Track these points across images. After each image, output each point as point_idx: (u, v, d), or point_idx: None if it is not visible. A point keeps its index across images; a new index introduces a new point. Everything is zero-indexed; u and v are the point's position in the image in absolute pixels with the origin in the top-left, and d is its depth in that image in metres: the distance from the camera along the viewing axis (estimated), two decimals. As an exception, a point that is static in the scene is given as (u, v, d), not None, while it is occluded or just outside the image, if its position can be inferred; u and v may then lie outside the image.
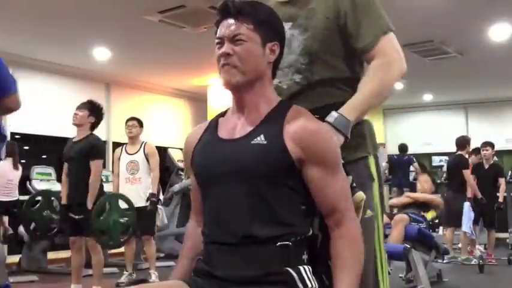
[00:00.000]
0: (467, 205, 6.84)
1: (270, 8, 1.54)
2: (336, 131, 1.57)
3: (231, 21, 1.48)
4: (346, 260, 1.40)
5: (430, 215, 5.67)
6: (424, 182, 6.02)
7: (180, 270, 1.58)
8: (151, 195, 5.57)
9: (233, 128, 1.50)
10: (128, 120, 5.84)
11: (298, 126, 1.42)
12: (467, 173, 7.23)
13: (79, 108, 4.76)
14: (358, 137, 1.70)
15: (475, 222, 7.52)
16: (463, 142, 7.52)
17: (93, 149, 4.64)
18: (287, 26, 1.69)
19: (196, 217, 1.61)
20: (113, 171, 5.98)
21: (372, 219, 1.70)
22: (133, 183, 5.62)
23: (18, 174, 6.59)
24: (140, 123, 5.83)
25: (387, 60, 1.67)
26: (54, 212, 5.82)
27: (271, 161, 1.40)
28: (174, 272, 1.59)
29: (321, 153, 1.42)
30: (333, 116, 1.59)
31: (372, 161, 1.75)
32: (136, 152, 5.72)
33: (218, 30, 1.51)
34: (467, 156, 7.53)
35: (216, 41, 1.50)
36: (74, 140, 4.77)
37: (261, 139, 1.42)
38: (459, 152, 7.45)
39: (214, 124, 1.56)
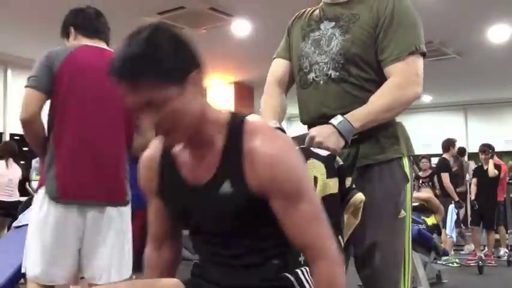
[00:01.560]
0: (451, 208, 6.85)
1: (162, 38, 1.19)
2: (338, 134, 1.61)
3: (127, 87, 1.18)
4: None
5: (430, 221, 5.66)
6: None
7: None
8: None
9: (195, 166, 1.33)
10: None
11: (254, 157, 1.25)
12: (444, 176, 7.30)
13: None
14: (391, 138, 1.77)
15: (476, 223, 7.54)
16: (446, 144, 7.57)
17: None
18: (330, 25, 1.80)
19: (155, 243, 1.49)
20: None
21: (404, 220, 1.76)
22: None
23: (17, 174, 6.59)
24: None
25: (405, 81, 1.70)
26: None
27: (244, 213, 1.30)
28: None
29: (278, 184, 1.24)
30: (338, 119, 1.64)
31: (406, 161, 1.80)
32: None
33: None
34: (451, 158, 7.61)
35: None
36: None
37: (228, 188, 1.28)
38: (444, 155, 7.50)
39: (170, 157, 1.38)
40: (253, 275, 1.34)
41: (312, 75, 1.80)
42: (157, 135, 1.27)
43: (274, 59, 2.00)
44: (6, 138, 7.68)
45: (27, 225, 3.30)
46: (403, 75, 1.70)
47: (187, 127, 1.25)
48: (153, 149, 1.42)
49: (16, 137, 7.86)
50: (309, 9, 1.97)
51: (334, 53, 1.76)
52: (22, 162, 6.93)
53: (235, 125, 1.31)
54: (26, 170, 6.96)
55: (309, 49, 1.83)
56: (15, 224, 3.54)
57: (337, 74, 1.75)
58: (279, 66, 1.96)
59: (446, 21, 6.41)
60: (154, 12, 6.00)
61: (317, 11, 1.91)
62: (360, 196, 1.52)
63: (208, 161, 1.31)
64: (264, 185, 1.25)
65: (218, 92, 9.17)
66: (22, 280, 3.36)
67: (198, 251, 1.46)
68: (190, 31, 6.53)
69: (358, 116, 1.66)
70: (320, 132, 1.63)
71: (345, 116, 1.65)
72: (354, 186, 1.54)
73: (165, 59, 1.17)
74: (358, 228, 1.58)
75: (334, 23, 1.80)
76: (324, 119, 1.70)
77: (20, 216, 3.51)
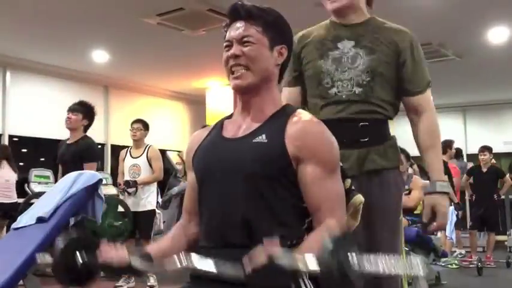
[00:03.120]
0: (451, 209, 6.85)
1: (277, 12, 1.57)
2: (446, 197, 1.95)
3: (240, 23, 1.51)
4: (316, 235, 1.36)
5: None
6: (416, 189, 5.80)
7: (153, 245, 1.61)
8: (127, 182, 5.46)
9: (238, 128, 1.52)
10: (133, 123, 5.72)
11: (300, 126, 1.45)
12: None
13: (71, 110, 4.65)
14: (393, 148, 2.03)
15: (476, 228, 7.54)
16: (444, 146, 7.55)
17: (87, 152, 4.57)
18: (350, 43, 1.99)
19: (187, 216, 1.61)
20: (114, 171, 6.03)
21: (401, 222, 2.01)
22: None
23: (13, 175, 6.59)
24: (145, 126, 5.70)
25: (433, 115, 2.03)
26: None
27: (270, 161, 1.41)
28: (148, 247, 1.58)
29: (318, 152, 1.43)
30: (441, 186, 1.96)
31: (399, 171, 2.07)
32: (140, 155, 5.62)
33: (227, 33, 1.53)
34: (449, 160, 7.61)
35: (225, 43, 1.52)
36: (67, 141, 4.70)
37: (262, 138, 1.44)
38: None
39: (219, 125, 1.58)
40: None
41: (334, 90, 1.98)
42: (233, 67, 1.49)
43: (284, 87, 2.12)
44: (5, 139, 7.68)
45: (26, 226, 3.30)
46: (428, 104, 2.02)
47: (259, 71, 1.48)
48: (204, 129, 1.64)
49: (15, 139, 7.86)
50: (310, 30, 2.10)
51: (360, 70, 1.96)
52: (21, 163, 6.93)
53: (289, 107, 1.55)
54: (25, 171, 6.95)
55: (330, 67, 2.00)
56: (14, 225, 3.53)
57: (361, 89, 1.95)
58: (297, 95, 2.11)
59: (445, 22, 6.41)
60: (154, 14, 6.00)
61: (325, 31, 2.06)
62: (359, 198, 1.53)
63: (251, 125, 1.50)
64: (302, 150, 1.41)
65: (217, 94, 9.16)
66: (21, 282, 3.36)
67: (206, 222, 1.49)
68: (190, 33, 6.53)
69: (439, 170, 2.01)
70: (443, 209, 1.94)
71: (433, 177, 1.97)
72: (353, 187, 1.55)
73: (277, 24, 1.53)
74: (363, 227, 1.66)
75: (354, 42, 1.99)
76: (336, 121, 1.87)
77: (19, 218, 3.50)
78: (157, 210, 5.94)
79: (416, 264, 1.08)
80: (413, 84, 2.00)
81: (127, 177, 5.56)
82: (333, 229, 1.30)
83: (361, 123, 1.95)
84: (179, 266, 1.34)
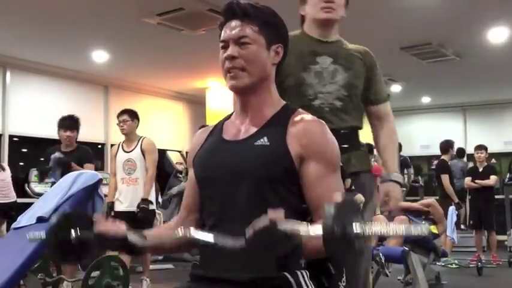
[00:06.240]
0: (451, 209, 6.85)
1: (273, 10, 1.55)
2: (399, 186, 2.25)
3: (236, 22, 1.49)
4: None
5: (434, 230, 5.60)
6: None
7: (150, 231, 1.60)
8: (142, 201, 4.88)
9: (238, 130, 1.51)
10: (118, 115, 5.20)
11: (303, 125, 1.45)
12: (444, 177, 7.31)
13: (68, 128, 4.92)
14: (366, 154, 2.37)
15: (477, 226, 7.54)
16: (445, 146, 7.59)
17: (88, 154, 4.89)
18: (329, 59, 2.19)
19: (185, 212, 1.60)
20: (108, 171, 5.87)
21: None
22: (129, 185, 4.96)
23: (6, 174, 6.59)
24: (132, 116, 5.12)
25: (392, 122, 2.37)
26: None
27: (273, 163, 1.40)
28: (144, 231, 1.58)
29: (320, 150, 1.43)
30: (397, 176, 2.27)
31: None
32: (133, 149, 5.05)
33: (222, 32, 1.51)
34: (449, 160, 7.63)
35: (221, 44, 1.50)
36: (63, 149, 4.89)
37: (264, 141, 1.43)
38: (442, 157, 7.52)
39: (219, 127, 1.57)
40: (254, 266, 1.33)
41: (317, 102, 2.16)
42: (230, 70, 1.47)
43: None
44: (5, 139, 7.68)
45: (26, 226, 3.30)
46: (390, 116, 2.37)
47: (256, 72, 1.47)
48: (204, 129, 1.64)
49: (15, 138, 7.86)
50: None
51: (339, 85, 2.18)
52: (21, 163, 6.93)
53: (289, 108, 1.53)
54: (25, 171, 6.95)
55: (313, 80, 2.17)
56: (14, 225, 3.53)
57: (341, 103, 2.18)
58: None
59: (445, 22, 6.41)
60: (154, 14, 6.00)
61: (302, 44, 2.19)
62: (359, 197, 1.54)
63: (251, 127, 1.49)
64: (305, 148, 1.41)
65: (217, 94, 9.16)
66: (22, 281, 3.36)
67: (208, 224, 1.48)
68: (189, 32, 6.53)
69: (394, 164, 2.30)
70: (395, 195, 2.26)
71: (390, 169, 2.28)
72: (353, 187, 1.56)
73: (273, 23, 1.51)
74: None
75: (332, 59, 2.19)
76: None
77: (19, 218, 3.50)
78: (157, 211, 5.55)
79: (420, 228, 1.09)
80: (377, 96, 2.32)
81: (122, 175, 5.03)
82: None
83: (342, 131, 2.13)
84: (178, 235, 1.35)
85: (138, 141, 5.08)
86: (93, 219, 1.49)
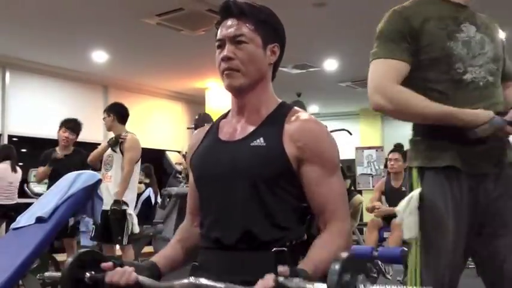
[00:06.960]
0: None
1: (270, 9, 1.54)
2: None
3: (232, 21, 1.48)
4: (324, 242, 1.36)
5: None
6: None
7: (160, 253, 1.55)
8: (115, 202, 4.55)
9: (234, 130, 1.50)
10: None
11: (298, 126, 1.43)
12: None
13: (68, 129, 5.09)
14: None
15: None
16: None
17: (86, 155, 5.03)
18: (473, 28, 1.88)
19: (191, 216, 1.61)
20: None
21: None
22: (104, 182, 4.48)
23: (17, 177, 6.60)
24: (109, 111, 4.84)
25: None
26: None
27: (270, 164, 1.39)
28: (155, 256, 1.55)
29: (319, 152, 1.41)
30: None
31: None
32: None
33: (219, 31, 1.50)
34: None
35: (217, 43, 1.49)
36: (63, 153, 5.06)
37: (260, 141, 1.42)
38: None
39: (215, 126, 1.56)
40: (252, 267, 1.33)
41: (469, 76, 1.84)
42: (226, 70, 1.45)
43: (388, 58, 1.85)
44: (5, 139, 7.68)
45: (25, 226, 3.29)
46: None
47: (252, 73, 1.45)
48: (200, 130, 1.63)
49: (14, 139, 7.86)
50: (414, 6, 1.90)
51: (488, 58, 1.88)
52: (20, 163, 6.92)
53: (285, 106, 1.51)
54: (24, 171, 6.94)
55: (461, 50, 1.85)
56: (13, 225, 3.53)
57: (493, 78, 1.88)
58: (406, 72, 1.86)
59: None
60: (153, 14, 6.01)
61: (442, 9, 1.89)
62: (359, 198, 1.55)
63: (247, 126, 1.47)
64: (303, 150, 1.39)
65: (217, 94, 9.16)
66: (21, 281, 3.36)
67: (206, 225, 1.47)
68: (189, 33, 6.53)
69: None
70: None
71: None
72: (352, 188, 1.55)
73: (269, 22, 1.50)
74: None
75: (475, 27, 1.90)
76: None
77: (18, 218, 3.50)
78: (128, 211, 4.70)
79: None
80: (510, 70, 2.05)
81: (102, 171, 4.78)
82: (341, 247, 1.31)
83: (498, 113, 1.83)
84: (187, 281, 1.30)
85: None
86: (101, 266, 1.40)
